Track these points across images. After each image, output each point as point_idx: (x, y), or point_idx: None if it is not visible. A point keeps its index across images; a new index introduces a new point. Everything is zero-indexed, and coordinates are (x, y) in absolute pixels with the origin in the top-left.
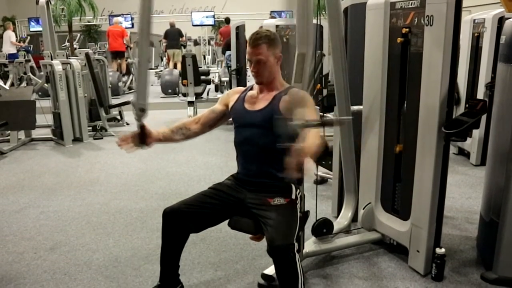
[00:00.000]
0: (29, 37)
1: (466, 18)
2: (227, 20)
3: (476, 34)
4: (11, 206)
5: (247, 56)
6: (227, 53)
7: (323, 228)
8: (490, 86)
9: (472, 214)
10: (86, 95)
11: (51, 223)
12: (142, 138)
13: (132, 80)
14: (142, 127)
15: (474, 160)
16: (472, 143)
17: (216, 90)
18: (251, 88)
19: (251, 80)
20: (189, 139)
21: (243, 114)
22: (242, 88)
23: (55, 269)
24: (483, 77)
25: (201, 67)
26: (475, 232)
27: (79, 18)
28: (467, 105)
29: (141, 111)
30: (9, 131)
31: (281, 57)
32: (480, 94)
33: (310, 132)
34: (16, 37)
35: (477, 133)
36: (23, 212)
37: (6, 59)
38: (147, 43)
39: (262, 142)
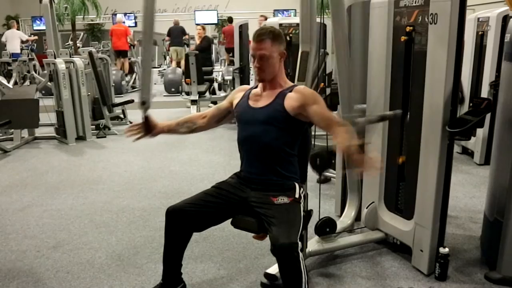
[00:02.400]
0: (36, 37)
1: (470, 17)
2: (230, 20)
3: (480, 33)
4: (14, 205)
5: (250, 52)
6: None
7: (326, 227)
8: (495, 85)
9: (476, 213)
10: (89, 93)
11: (54, 221)
12: (148, 128)
13: (135, 79)
14: (146, 118)
15: (478, 159)
16: (476, 142)
17: (220, 89)
18: (256, 87)
19: (254, 79)
20: (194, 133)
21: (246, 111)
22: (248, 86)
23: (58, 267)
24: (488, 75)
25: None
26: (479, 231)
27: (82, 16)
28: (471, 104)
29: (142, 104)
30: (12, 130)
31: (285, 54)
32: (485, 92)
33: (342, 128)
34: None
35: (481, 132)
36: (26, 211)
37: (10, 57)
38: (151, 39)
39: (265, 140)
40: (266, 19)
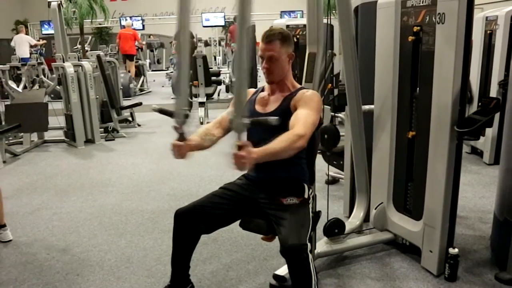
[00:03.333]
0: (45, 41)
1: (479, 16)
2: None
3: (488, 32)
4: (24, 208)
5: (259, 53)
6: None
7: (335, 229)
8: (503, 84)
9: (486, 213)
10: (97, 97)
11: (63, 224)
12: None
13: (143, 81)
14: (182, 135)
15: (487, 159)
16: (485, 142)
17: (227, 91)
18: (262, 90)
19: (262, 81)
20: (214, 144)
21: (253, 116)
22: (252, 90)
23: (68, 269)
24: (496, 75)
25: (211, 68)
26: (488, 232)
27: (90, 20)
28: (479, 104)
29: (186, 118)
30: (22, 133)
31: (293, 56)
32: (493, 92)
33: (288, 133)
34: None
35: (490, 132)
36: (36, 214)
37: (19, 62)
38: (187, 48)
39: None
40: None
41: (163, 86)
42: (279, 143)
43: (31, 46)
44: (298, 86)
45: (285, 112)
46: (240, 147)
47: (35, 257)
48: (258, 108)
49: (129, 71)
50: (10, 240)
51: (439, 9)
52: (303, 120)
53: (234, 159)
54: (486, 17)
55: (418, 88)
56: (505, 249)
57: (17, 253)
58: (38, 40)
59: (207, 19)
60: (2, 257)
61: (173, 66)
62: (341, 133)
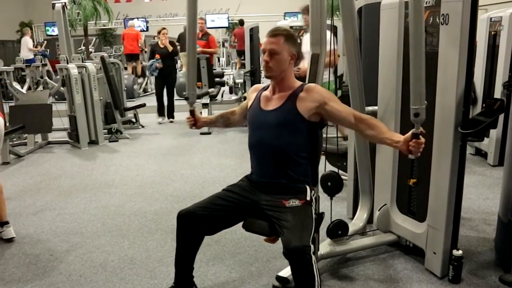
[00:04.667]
0: (45, 42)
1: (483, 17)
2: (241, 22)
3: (493, 33)
4: (28, 209)
5: (262, 47)
6: None
7: (338, 230)
8: (508, 85)
9: (490, 215)
10: (101, 98)
11: (67, 225)
12: (193, 120)
13: (147, 82)
14: (191, 112)
15: (492, 161)
16: (489, 143)
17: (231, 92)
18: (268, 87)
19: (265, 82)
20: (229, 127)
21: (257, 114)
22: (260, 86)
23: (71, 270)
24: (501, 76)
25: (215, 69)
26: (493, 233)
27: (94, 22)
28: (484, 105)
29: (186, 99)
30: (26, 135)
31: (295, 57)
32: (498, 93)
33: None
34: (33, 42)
35: (494, 133)
36: (39, 215)
37: (23, 63)
38: (195, 43)
39: (276, 143)
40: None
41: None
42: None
43: (29, 50)
44: (299, 82)
45: (290, 109)
46: (418, 135)
47: (39, 258)
48: (262, 105)
49: (132, 72)
50: (13, 238)
51: (443, 10)
52: (351, 110)
53: (414, 147)
54: (491, 18)
55: None
56: (509, 251)
57: (21, 254)
58: (36, 47)
59: (213, 20)
60: (6, 257)
61: (152, 71)
62: (345, 134)
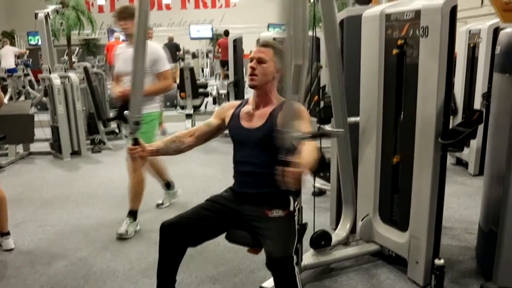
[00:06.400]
0: (27, 51)
1: (462, 29)
2: (226, 33)
3: (472, 45)
4: (9, 220)
5: (251, 55)
6: None
7: (321, 240)
8: (487, 96)
9: (471, 224)
10: (84, 108)
11: (48, 237)
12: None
13: None
14: (136, 140)
15: (472, 170)
16: (470, 153)
17: (214, 103)
18: (246, 103)
19: (249, 93)
20: (182, 153)
21: (240, 132)
22: (236, 103)
23: (53, 283)
24: (480, 87)
25: (199, 80)
26: (474, 242)
27: (77, 32)
28: (463, 115)
29: (135, 125)
30: (7, 145)
31: (280, 72)
32: (477, 104)
33: (307, 144)
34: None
35: (474, 143)
36: (20, 226)
37: (5, 73)
38: (143, 56)
39: (261, 160)
40: None
41: None
42: (308, 153)
43: (17, 57)
44: (282, 99)
45: (272, 127)
46: (290, 164)
47: (19, 270)
48: (244, 123)
49: None
50: (12, 249)
51: (423, 22)
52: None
53: (288, 176)
54: (470, 31)
55: (402, 101)
56: (490, 259)
57: (1, 267)
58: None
59: (198, 30)
60: None
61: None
62: (327, 145)
